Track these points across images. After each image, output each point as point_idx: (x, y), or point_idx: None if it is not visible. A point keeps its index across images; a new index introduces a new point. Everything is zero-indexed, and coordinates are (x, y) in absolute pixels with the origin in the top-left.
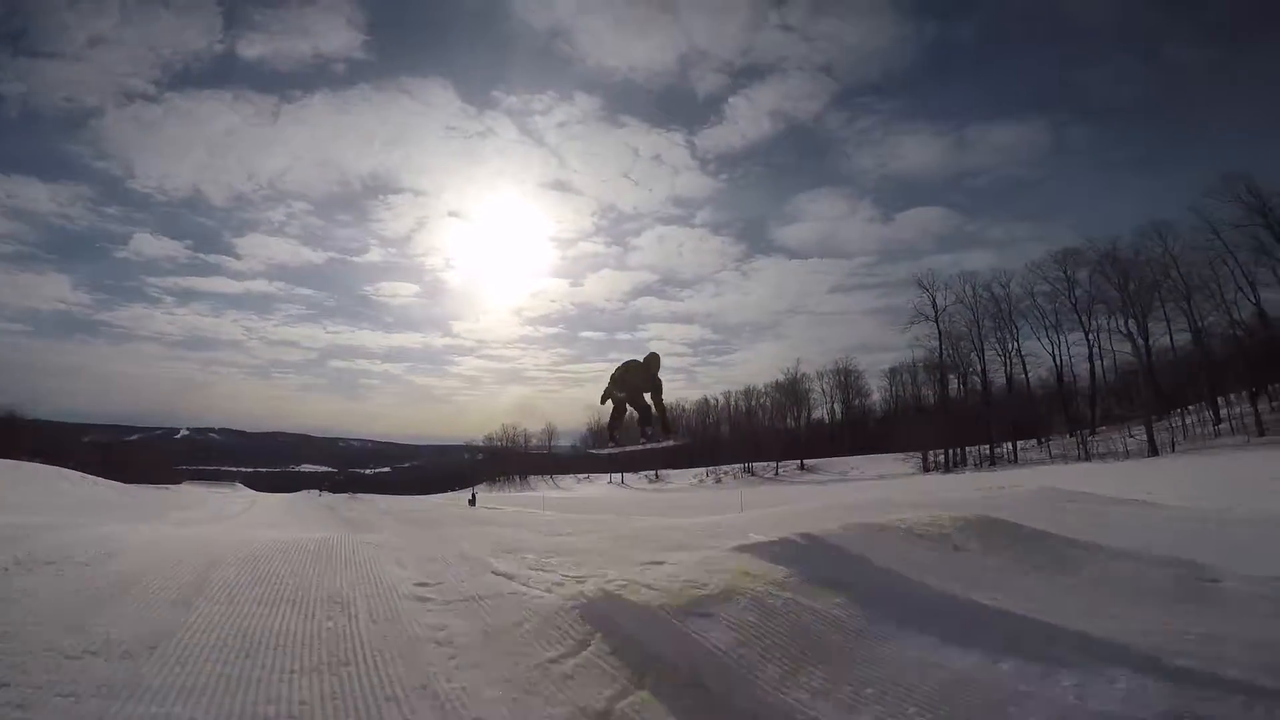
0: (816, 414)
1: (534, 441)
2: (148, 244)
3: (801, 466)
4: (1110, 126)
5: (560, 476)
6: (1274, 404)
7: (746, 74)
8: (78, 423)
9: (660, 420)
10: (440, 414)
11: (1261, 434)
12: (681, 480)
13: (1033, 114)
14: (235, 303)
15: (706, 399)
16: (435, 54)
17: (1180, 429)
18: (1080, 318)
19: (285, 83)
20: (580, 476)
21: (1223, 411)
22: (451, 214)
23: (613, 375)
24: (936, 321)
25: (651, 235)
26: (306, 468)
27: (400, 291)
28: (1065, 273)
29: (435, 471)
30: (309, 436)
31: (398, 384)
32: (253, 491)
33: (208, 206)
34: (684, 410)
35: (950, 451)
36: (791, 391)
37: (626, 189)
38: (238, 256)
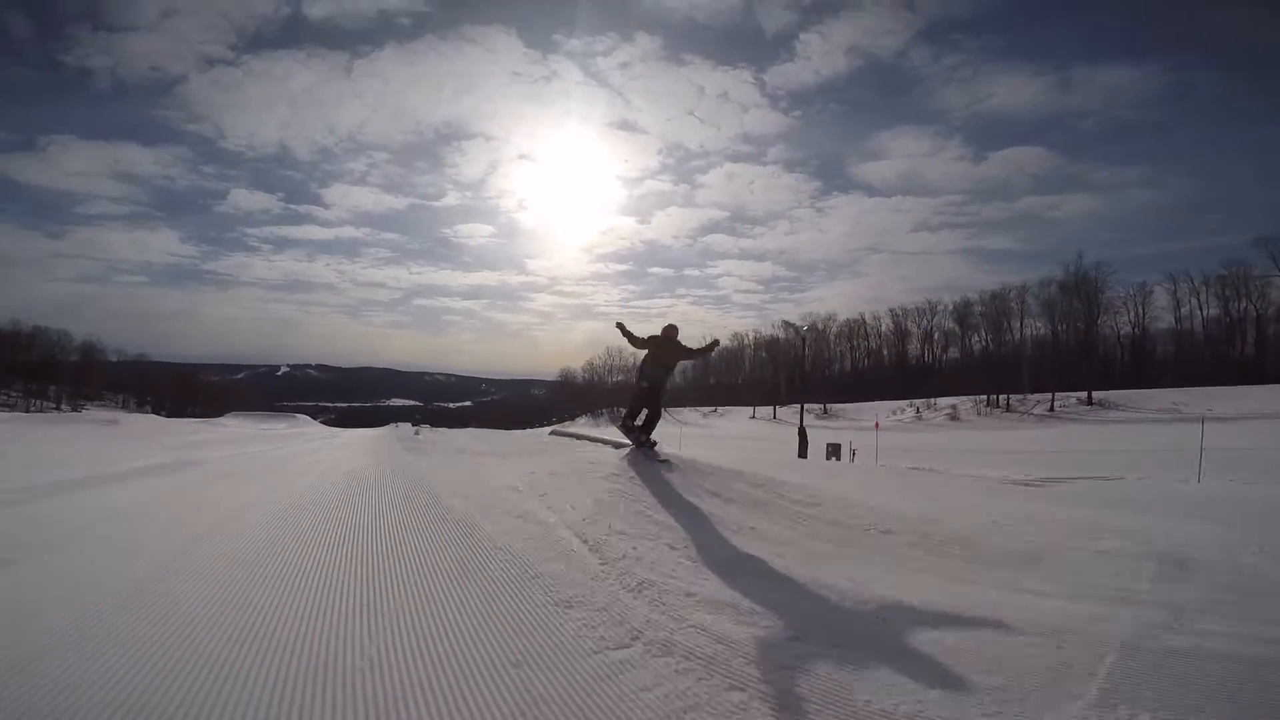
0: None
1: (616, 377)
2: (243, 198)
3: (1089, 400)
4: (1239, 74)
5: (673, 410)
6: None
7: (818, 10)
8: (194, 363)
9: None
10: (516, 348)
11: None
12: (867, 416)
13: (1148, 57)
14: (326, 248)
15: (863, 318)
16: (495, 1)
17: None
18: None
19: (354, 39)
20: (704, 409)
21: None
22: (522, 156)
23: (645, 354)
24: None
25: (720, 173)
26: (395, 402)
27: (477, 233)
28: None
29: (515, 405)
30: (395, 371)
31: (476, 320)
32: (324, 429)
33: (294, 160)
34: (823, 329)
35: None
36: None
37: (692, 127)
38: (325, 205)
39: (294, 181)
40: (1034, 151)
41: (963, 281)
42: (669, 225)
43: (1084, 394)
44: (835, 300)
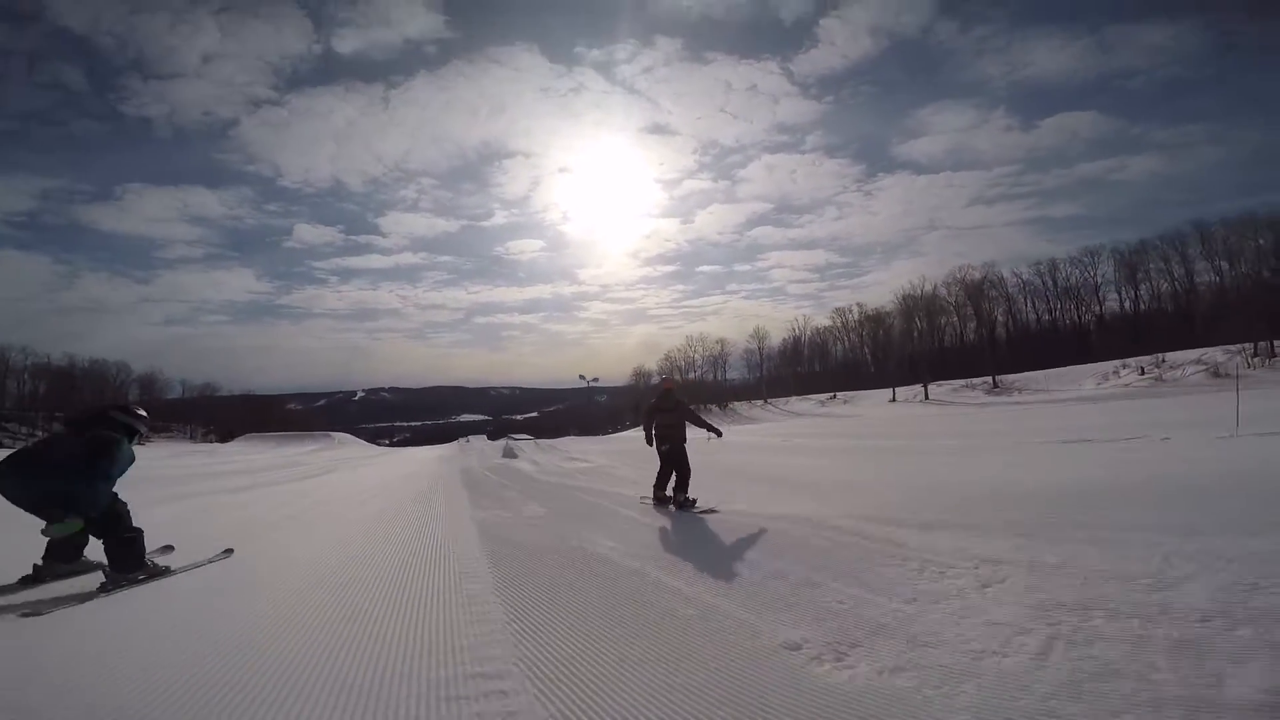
0: None
1: (698, 372)
2: (307, 232)
3: None
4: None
5: (776, 400)
6: None
7: None
8: (279, 394)
9: (701, 422)
10: (574, 357)
11: None
12: (1059, 385)
13: (1181, 13)
14: (388, 275)
15: (1001, 275)
16: (512, 20)
17: None
18: None
19: (385, 70)
20: (818, 397)
21: None
22: (561, 170)
23: (647, 422)
24: None
25: (758, 165)
26: (465, 417)
27: (527, 248)
28: None
29: (581, 414)
30: (463, 388)
31: (534, 333)
32: (367, 449)
33: (349, 192)
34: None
35: None
36: None
37: (725, 123)
38: (383, 234)
39: (351, 213)
40: (1087, 116)
41: (1027, 252)
42: (713, 223)
43: None
44: (896, 282)
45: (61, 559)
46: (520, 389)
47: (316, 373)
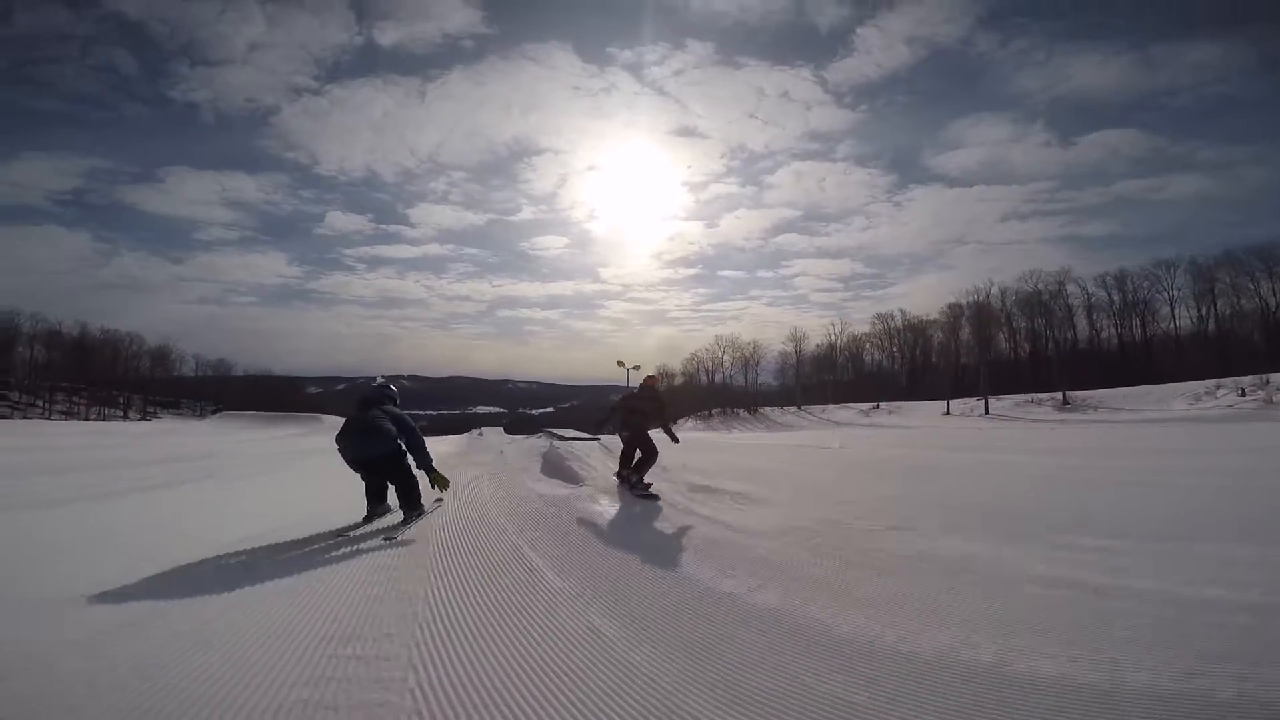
0: None
1: (727, 374)
2: (339, 220)
3: None
4: None
5: (811, 408)
6: None
7: (872, 2)
8: (301, 376)
9: (667, 429)
10: (594, 355)
11: None
12: (1141, 405)
13: (1230, 31)
14: (414, 265)
15: (1062, 287)
16: (548, 18)
17: None
18: None
19: (424, 64)
20: (860, 406)
21: None
22: (589, 168)
23: (614, 408)
24: None
25: (787, 172)
26: (481, 409)
27: (552, 244)
28: None
29: (596, 411)
30: (481, 380)
31: (556, 329)
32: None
33: (381, 183)
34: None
35: None
36: None
37: (755, 128)
38: (412, 225)
39: (383, 203)
40: (1127, 134)
41: (1062, 270)
42: (738, 228)
43: None
44: (921, 295)
45: (378, 502)
46: (538, 383)
47: (343, 358)
